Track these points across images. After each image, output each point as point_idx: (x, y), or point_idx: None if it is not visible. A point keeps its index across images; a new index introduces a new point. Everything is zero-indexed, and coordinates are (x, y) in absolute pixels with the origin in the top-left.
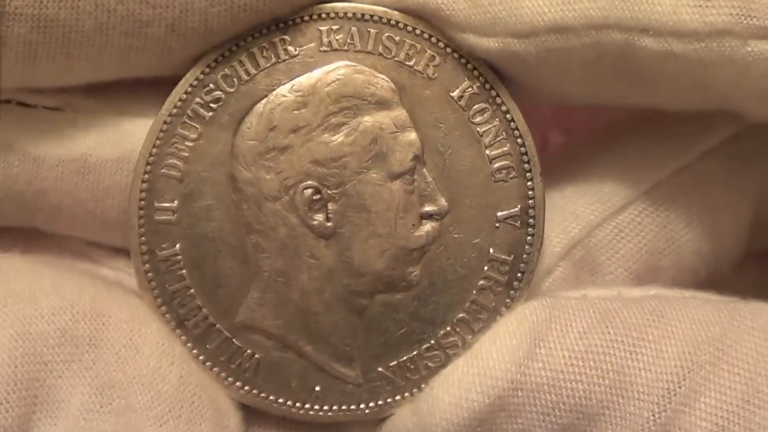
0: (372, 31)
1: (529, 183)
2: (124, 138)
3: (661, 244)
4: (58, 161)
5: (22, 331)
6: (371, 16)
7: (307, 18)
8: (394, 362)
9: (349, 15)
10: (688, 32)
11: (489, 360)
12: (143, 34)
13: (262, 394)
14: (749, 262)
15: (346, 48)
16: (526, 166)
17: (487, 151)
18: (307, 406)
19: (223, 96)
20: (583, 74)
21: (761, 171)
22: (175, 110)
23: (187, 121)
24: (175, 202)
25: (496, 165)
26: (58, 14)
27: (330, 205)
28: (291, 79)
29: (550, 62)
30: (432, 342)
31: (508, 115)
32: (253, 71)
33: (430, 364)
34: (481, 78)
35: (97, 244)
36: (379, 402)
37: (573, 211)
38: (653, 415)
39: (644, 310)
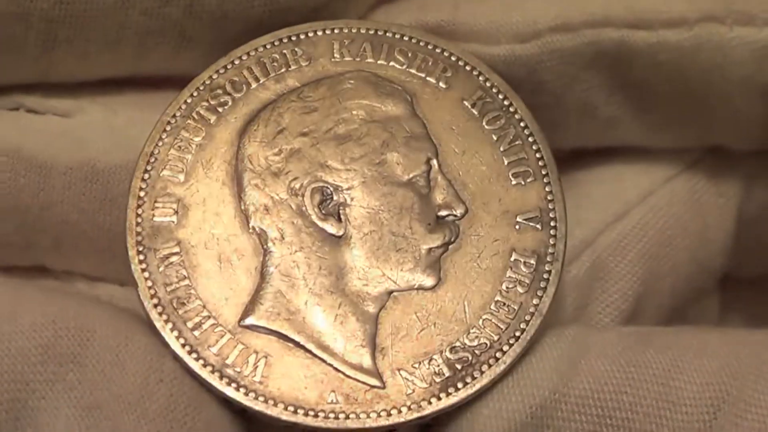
0: (385, 45)
1: (547, 188)
2: (133, 143)
3: (661, 250)
4: (65, 169)
5: (1, 348)
6: (384, 31)
7: (320, 32)
8: (417, 363)
9: (362, 30)
10: (678, 20)
11: (530, 371)
12: (161, 14)
13: (271, 401)
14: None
15: (358, 58)
16: (543, 171)
17: (503, 156)
18: (321, 414)
19: (230, 100)
20: (582, 80)
21: (741, 174)
22: (179, 112)
23: (192, 123)
24: (177, 203)
25: (513, 170)
26: None
27: (341, 208)
28: (301, 84)
29: (553, 66)
30: (458, 342)
31: (522, 123)
32: (262, 78)
33: (457, 365)
34: (494, 88)
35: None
36: (402, 409)
37: (577, 218)
38: (704, 425)
39: (681, 334)
